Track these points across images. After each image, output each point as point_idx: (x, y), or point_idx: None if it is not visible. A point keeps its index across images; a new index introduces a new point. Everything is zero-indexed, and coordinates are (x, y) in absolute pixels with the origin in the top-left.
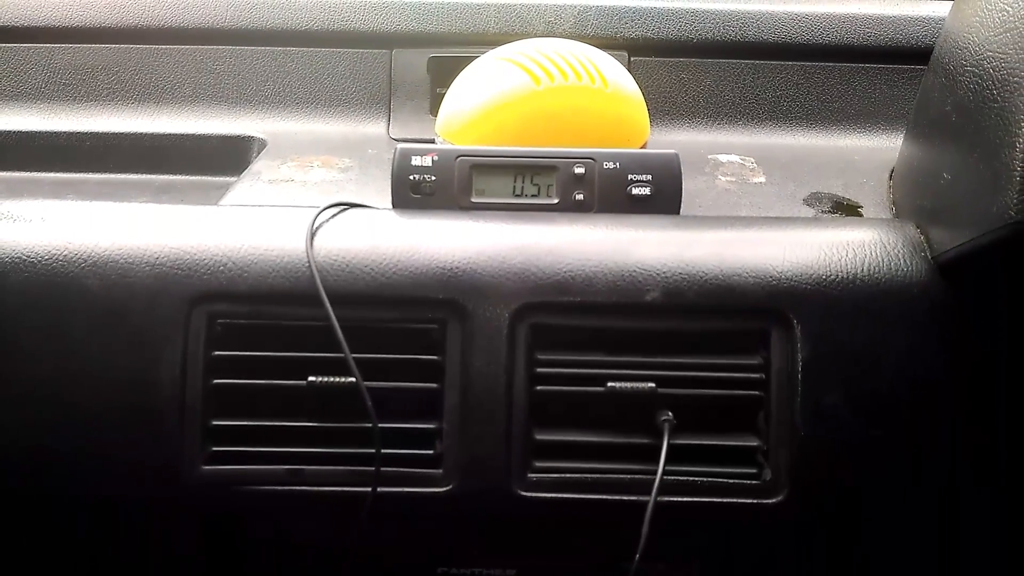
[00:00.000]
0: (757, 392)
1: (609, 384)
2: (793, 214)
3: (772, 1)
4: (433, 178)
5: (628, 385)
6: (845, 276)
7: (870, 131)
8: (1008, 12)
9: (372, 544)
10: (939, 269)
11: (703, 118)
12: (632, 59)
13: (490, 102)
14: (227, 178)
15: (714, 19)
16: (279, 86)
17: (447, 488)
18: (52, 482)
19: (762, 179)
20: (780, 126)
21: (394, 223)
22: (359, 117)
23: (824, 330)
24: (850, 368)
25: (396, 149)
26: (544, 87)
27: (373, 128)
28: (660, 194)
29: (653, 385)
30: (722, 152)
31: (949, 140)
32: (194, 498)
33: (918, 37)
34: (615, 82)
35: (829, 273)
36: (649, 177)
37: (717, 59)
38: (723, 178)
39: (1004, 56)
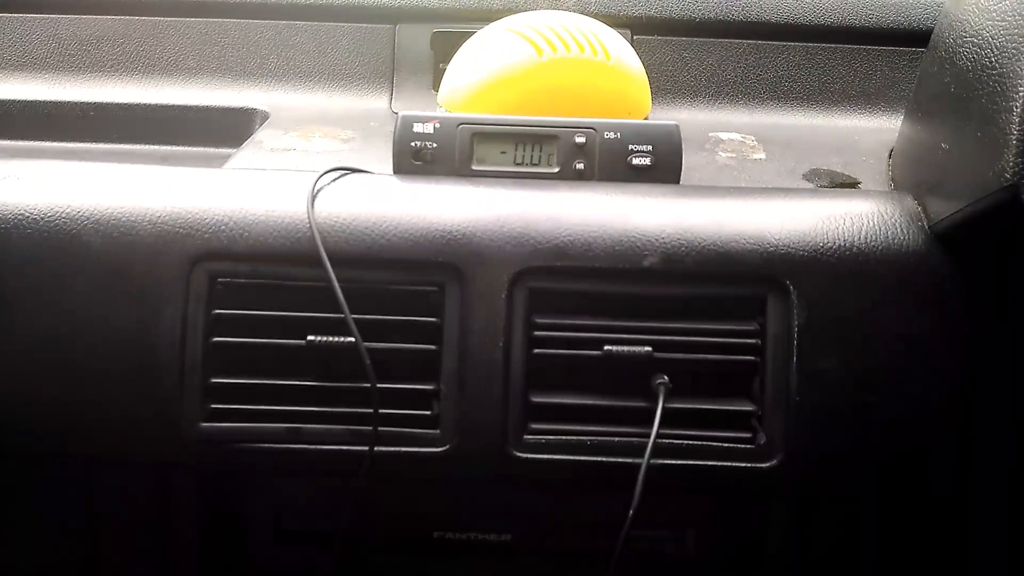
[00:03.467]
0: (753, 357)
1: (606, 348)
2: (792, 188)
3: None
4: (435, 145)
5: (625, 349)
6: (842, 245)
7: (871, 112)
8: None
9: (369, 506)
10: (935, 238)
11: (705, 96)
12: (635, 37)
13: (494, 73)
14: (230, 149)
15: None
16: (283, 59)
17: (444, 448)
18: (51, 439)
19: (762, 155)
20: (781, 105)
21: (395, 188)
22: (362, 91)
23: (820, 297)
24: (845, 334)
25: (399, 116)
26: (547, 58)
27: (376, 102)
28: (660, 164)
29: (650, 349)
30: (723, 130)
31: (948, 111)
32: (193, 455)
33: (919, 19)
34: (618, 56)
35: (826, 241)
36: (650, 147)
37: (719, 39)
38: (723, 154)
39: (1003, 23)
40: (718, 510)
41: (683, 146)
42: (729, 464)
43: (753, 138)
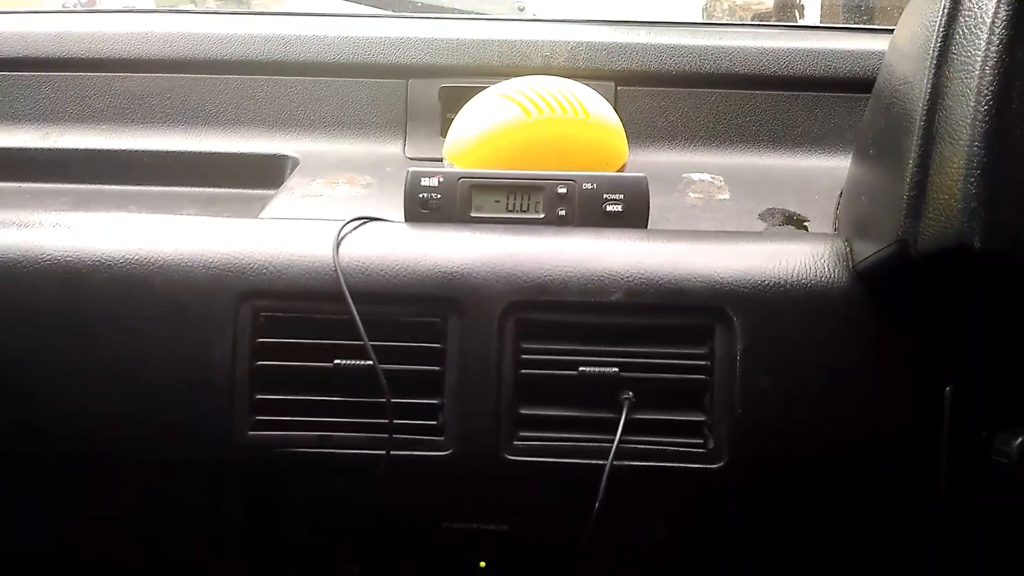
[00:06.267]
0: (703, 376)
1: (580, 369)
2: (748, 227)
3: (742, 37)
4: (439, 196)
5: (596, 370)
6: (777, 281)
7: (829, 153)
8: (917, 32)
9: (388, 502)
10: (857, 276)
11: (680, 140)
12: (619, 89)
13: (488, 131)
14: (265, 191)
15: (691, 53)
16: (310, 111)
17: (447, 452)
18: (124, 447)
19: (726, 196)
20: (748, 148)
21: (405, 234)
22: (379, 138)
23: (758, 326)
24: (778, 358)
25: (408, 172)
26: (534, 119)
27: (391, 148)
28: (630, 210)
29: (616, 370)
30: (695, 171)
31: (873, 160)
32: (242, 459)
33: (873, 68)
34: (596, 113)
35: (764, 278)
36: (621, 196)
37: (694, 88)
38: (692, 195)
39: (914, 74)
40: (681, 505)
41: (659, 186)
42: (684, 465)
43: (721, 179)
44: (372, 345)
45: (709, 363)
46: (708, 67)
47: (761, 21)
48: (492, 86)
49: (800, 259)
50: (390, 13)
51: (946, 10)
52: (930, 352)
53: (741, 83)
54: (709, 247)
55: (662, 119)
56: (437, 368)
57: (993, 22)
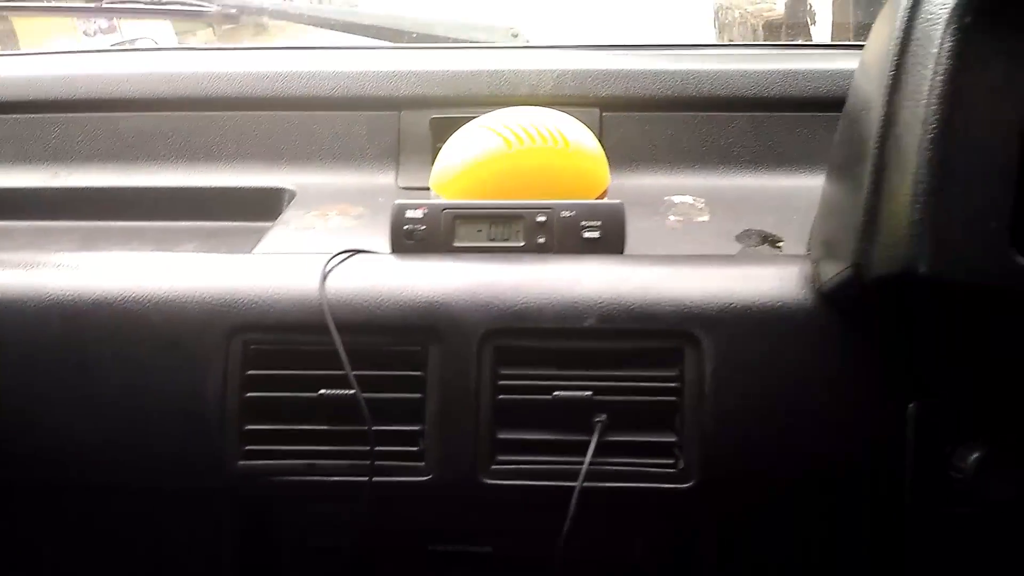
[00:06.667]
0: (673, 398)
1: (555, 393)
2: (725, 249)
3: (723, 61)
4: (423, 227)
5: (570, 394)
6: (744, 304)
7: (809, 172)
8: (876, 57)
9: (374, 525)
10: (822, 297)
11: (664, 163)
12: (604, 114)
13: (471, 162)
14: (263, 223)
15: (674, 78)
16: (307, 144)
17: (428, 477)
18: (122, 473)
19: (705, 218)
20: (731, 169)
21: (390, 265)
22: (373, 169)
23: (726, 348)
24: (746, 379)
25: (393, 204)
26: (515, 149)
27: (384, 179)
28: (607, 237)
29: (590, 393)
30: (679, 193)
31: (838, 182)
32: (234, 486)
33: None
34: (576, 142)
35: (732, 301)
36: (599, 223)
37: (677, 112)
38: (672, 217)
39: (877, 100)
40: (660, 525)
41: (641, 210)
42: (656, 485)
43: (703, 200)
44: (356, 374)
45: (679, 385)
46: (690, 91)
47: (772, 28)
48: (476, 118)
49: (767, 281)
50: (388, 44)
51: (899, 39)
52: (894, 369)
53: (723, 105)
54: (680, 271)
55: (646, 143)
56: (418, 395)
57: (939, 51)
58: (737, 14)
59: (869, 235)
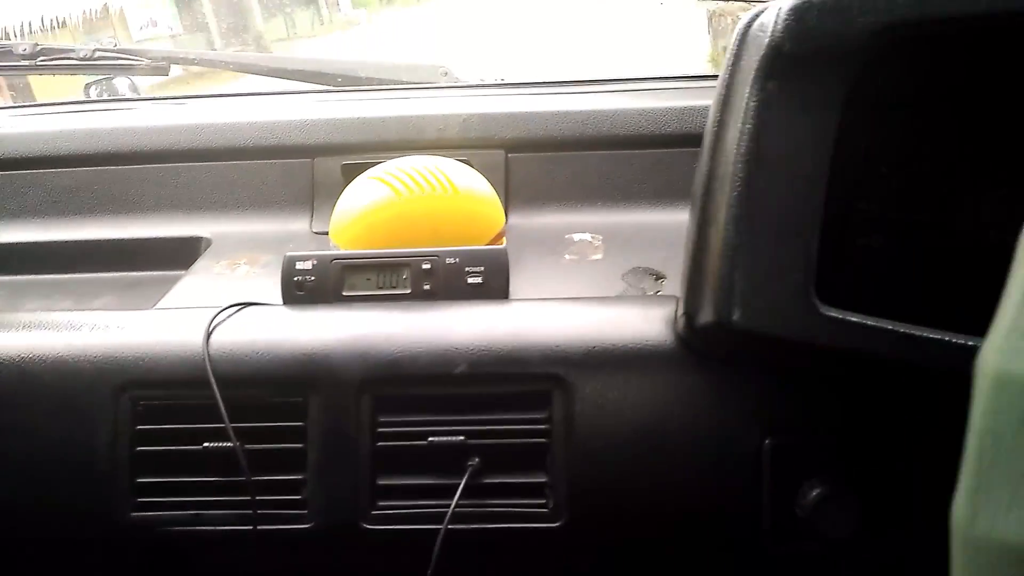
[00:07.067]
0: (544, 440)
1: (430, 439)
2: (611, 287)
3: (625, 98)
4: (313, 278)
5: (444, 439)
6: (609, 346)
7: None
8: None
9: (261, 572)
10: (679, 338)
11: (568, 201)
12: (509, 155)
13: (363, 211)
14: (181, 272)
15: (575, 119)
16: (224, 193)
17: (310, 525)
18: (23, 527)
19: (599, 256)
20: (630, 206)
21: (275, 317)
22: (288, 216)
23: (592, 390)
24: (612, 420)
25: (284, 256)
26: (404, 198)
27: (299, 224)
28: (490, 282)
29: (463, 438)
30: (580, 230)
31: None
32: (126, 538)
33: None
34: (465, 187)
35: (598, 344)
36: (482, 268)
37: (579, 152)
38: (568, 256)
39: (702, 157)
40: (535, 561)
41: (541, 249)
42: (528, 525)
43: (600, 238)
44: (241, 426)
45: (549, 427)
46: (591, 131)
47: None
48: (370, 168)
49: (632, 323)
50: (308, 89)
51: (721, 95)
52: (750, 407)
53: (623, 144)
54: (551, 314)
55: (549, 182)
56: (300, 446)
57: (746, 111)
58: (730, 20)
59: (694, 285)
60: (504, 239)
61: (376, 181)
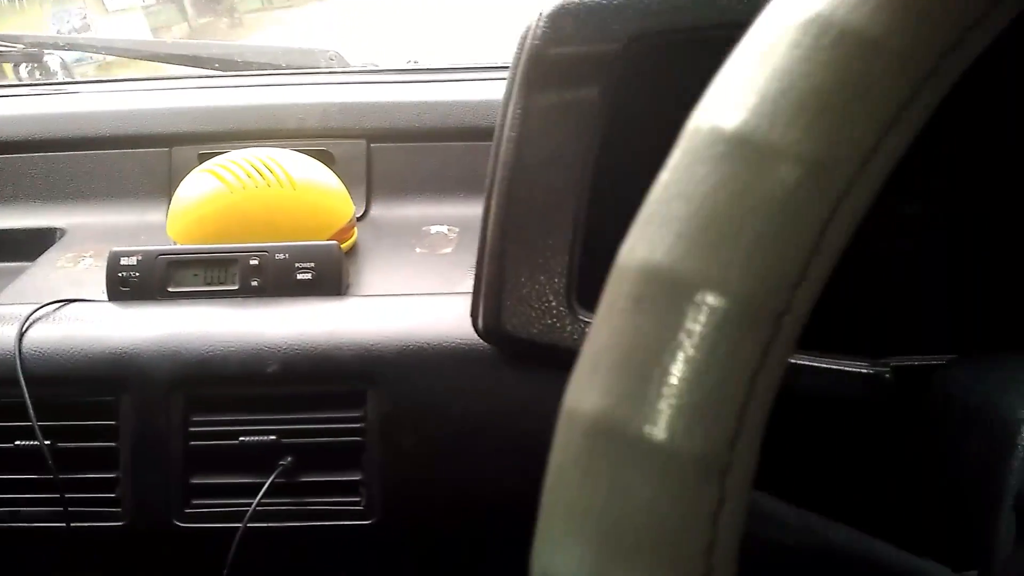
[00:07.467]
0: (359, 439)
1: (240, 439)
2: (453, 283)
3: (490, 89)
4: (138, 274)
5: (255, 439)
6: (419, 344)
7: None
8: None
9: (77, 570)
10: (484, 334)
11: (428, 193)
12: (371, 145)
13: (193, 203)
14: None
15: (437, 109)
16: (81, 184)
17: (124, 523)
18: None
19: (449, 250)
20: None
21: (96, 314)
22: (145, 207)
23: (403, 388)
24: (421, 419)
25: (109, 251)
26: (236, 191)
27: (155, 216)
28: (321, 278)
29: (274, 437)
30: (438, 223)
31: None
32: None
33: None
34: (305, 180)
35: (408, 342)
36: (312, 264)
37: (441, 143)
38: (419, 250)
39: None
40: (354, 559)
41: (396, 241)
42: (343, 523)
43: (457, 230)
44: (53, 425)
45: (363, 425)
46: (453, 121)
47: None
48: (206, 161)
49: (445, 320)
50: (168, 77)
51: (503, 103)
52: (558, 401)
53: (484, 135)
54: (368, 312)
55: (411, 173)
56: (112, 444)
57: (512, 118)
58: None
59: (476, 289)
60: (354, 232)
61: (207, 174)
